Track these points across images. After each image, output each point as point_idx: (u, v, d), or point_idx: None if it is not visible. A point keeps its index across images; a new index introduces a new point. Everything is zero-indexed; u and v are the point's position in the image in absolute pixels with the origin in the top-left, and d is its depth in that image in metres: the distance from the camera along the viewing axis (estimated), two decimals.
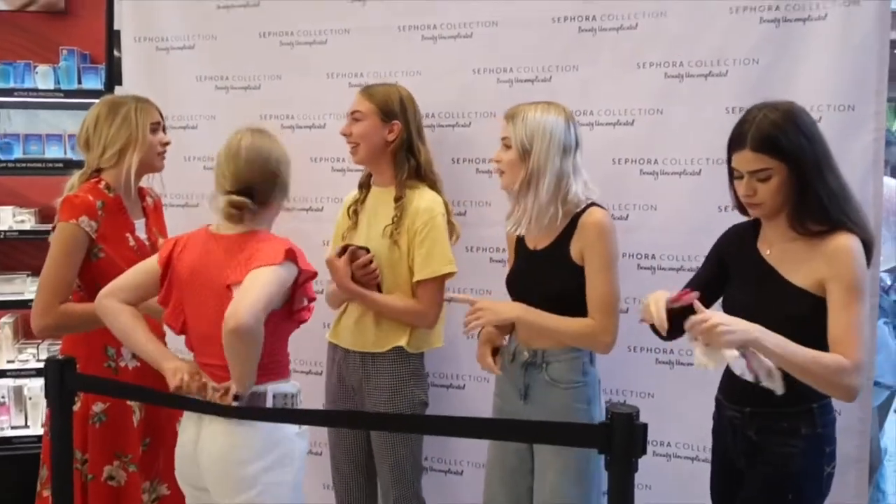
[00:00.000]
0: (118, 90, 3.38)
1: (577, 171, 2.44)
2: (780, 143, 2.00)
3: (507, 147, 2.45)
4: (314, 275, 2.24)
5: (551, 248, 2.46)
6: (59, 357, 2.15)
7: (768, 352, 1.94)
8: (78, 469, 2.56)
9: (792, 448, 2.08)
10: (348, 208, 2.83)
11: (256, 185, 2.24)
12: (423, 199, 2.69)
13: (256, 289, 2.08)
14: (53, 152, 4.38)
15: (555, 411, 2.43)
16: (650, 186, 2.77)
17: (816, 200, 2.01)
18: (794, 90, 2.59)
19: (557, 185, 2.40)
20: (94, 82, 4.34)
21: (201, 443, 2.21)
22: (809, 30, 2.59)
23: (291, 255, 2.16)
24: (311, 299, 2.27)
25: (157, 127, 2.66)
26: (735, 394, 2.19)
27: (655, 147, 2.75)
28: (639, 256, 2.81)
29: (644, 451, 1.62)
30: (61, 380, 2.06)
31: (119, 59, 3.43)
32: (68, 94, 4.35)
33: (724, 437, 2.24)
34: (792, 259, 2.07)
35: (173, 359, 2.25)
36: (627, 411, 1.58)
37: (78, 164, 4.25)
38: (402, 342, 2.70)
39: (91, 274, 2.54)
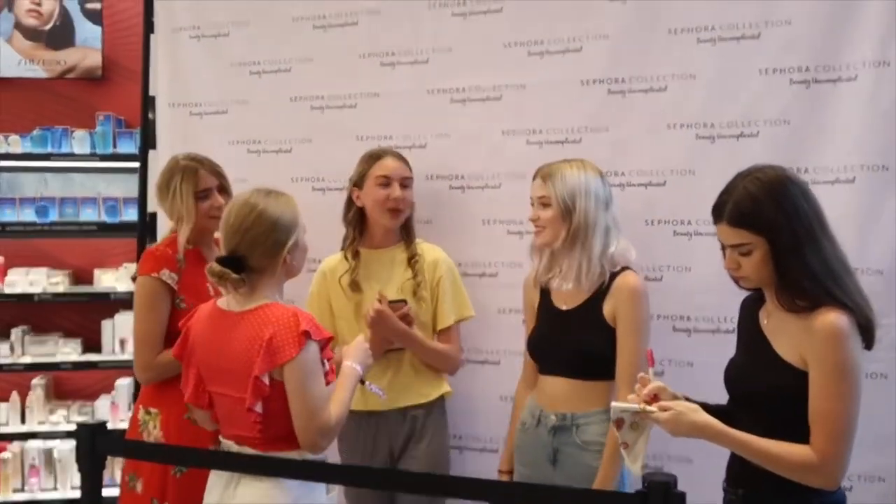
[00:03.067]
0: (152, 154, 3.45)
1: (617, 226, 2.50)
2: (756, 219, 1.91)
3: (545, 206, 2.49)
4: (331, 338, 2.22)
5: (585, 306, 2.48)
6: (90, 422, 2.16)
7: (730, 448, 1.94)
8: None
9: None
10: (340, 279, 2.83)
11: (241, 254, 2.18)
12: (434, 251, 2.86)
13: (309, 401, 2.11)
14: (88, 215, 4.46)
15: (587, 476, 2.41)
16: (684, 247, 2.76)
17: (793, 279, 1.91)
18: (825, 150, 2.60)
19: (606, 239, 2.46)
20: (128, 146, 4.45)
21: None
22: (840, 90, 2.59)
23: (307, 336, 2.12)
24: (329, 359, 2.25)
25: (207, 193, 2.75)
26: (731, 474, 2.08)
27: (688, 207, 2.74)
28: (674, 318, 2.78)
29: None
30: (92, 445, 2.06)
31: (154, 122, 3.49)
32: (103, 157, 4.47)
33: None
34: (783, 331, 1.97)
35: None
36: (664, 479, 1.55)
37: (112, 228, 4.38)
38: (446, 388, 2.83)
39: (175, 322, 2.61)
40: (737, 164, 2.25)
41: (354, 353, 2.32)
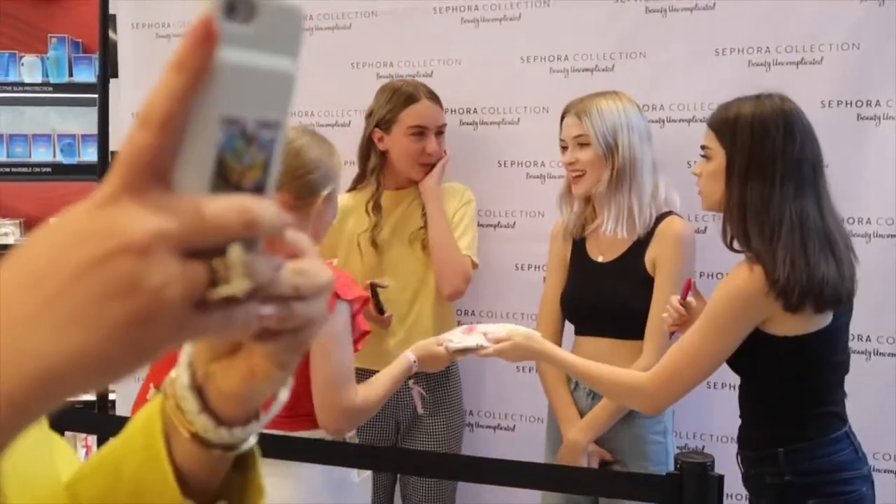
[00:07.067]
0: (114, 84, 3.46)
1: (658, 167, 2.57)
2: (726, 129, 2.13)
3: (583, 146, 2.52)
4: (366, 299, 2.24)
5: (624, 258, 2.54)
6: None
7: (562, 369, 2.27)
8: None
9: (762, 501, 2.15)
10: (359, 238, 2.84)
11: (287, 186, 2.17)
12: (454, 191, 2.87)
13: (333, 373, 2.11)
14: (41, 155, 4.48)
15: (630, 444, 2.52)
16: None
17: (730, 208, 2.10)
18: None
19: (654, 177, 2.54)
20: (87, 74, 4.45)
21: None
22: None
23: (336, 296, 2.11)
24: (365, 333, 2.23)
25: None
26: (739, 437, 2.28)
27: None
28: (719, 277, 2.79)
29: None
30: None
31: (115, 45, 3.50)
32: (58, 87, 4.46)
33: None
34: None
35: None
36: (700, 460, 1.59)
37: (69, 169, 4.41)
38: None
39: None
40: (796, 96, 2.26)
41: (424, 351, 2.27)
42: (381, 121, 2.81)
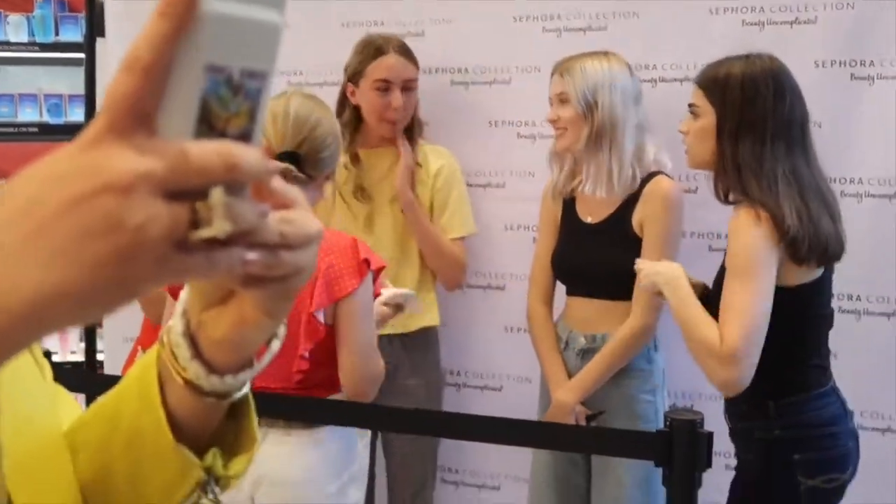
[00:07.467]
0: (100, 43, 3.43)
1: (646, 128, 2.56)
2: (716, 87, 2.18)
3: (564, 103, 2.52)
4: (383, 267, 2.23)
5: (613, 219, 2.55)
6: None
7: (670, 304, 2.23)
8: None
9: (749, 455, 2.19)
10: (341, 190, 2.80)
11: (303, 153, 2.12)
12: (439, 157, 2.86)
13: (363, 343, 2.12)
14: (27, 115, 4.44)
15: (620, 403, 2.53)
16: None
17: (723, 165, 2.15)
18: None
19: (639, 138, 2.52)
20: (73, 33, 4.41)
21: (261, 467, 2.12)
22: None
23: (367, 265, 2.13)
24: (377, 296, 2.25)
25: None
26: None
27: None
28: (710, 236, 2.81)
29: (709, 465, 1.64)
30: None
31: (102, 5, 3.47)
32: (44, 47, 4.43)
33: None
34: None
35: None
36: (689, 418, 1.59)
37: (56, 129, 4.38)
38: (433, 319, 2.84)
39: None
40: (790, 56, 2.26)
41: (376, 316, 2.26)
42: (352, 74, 2.80)
